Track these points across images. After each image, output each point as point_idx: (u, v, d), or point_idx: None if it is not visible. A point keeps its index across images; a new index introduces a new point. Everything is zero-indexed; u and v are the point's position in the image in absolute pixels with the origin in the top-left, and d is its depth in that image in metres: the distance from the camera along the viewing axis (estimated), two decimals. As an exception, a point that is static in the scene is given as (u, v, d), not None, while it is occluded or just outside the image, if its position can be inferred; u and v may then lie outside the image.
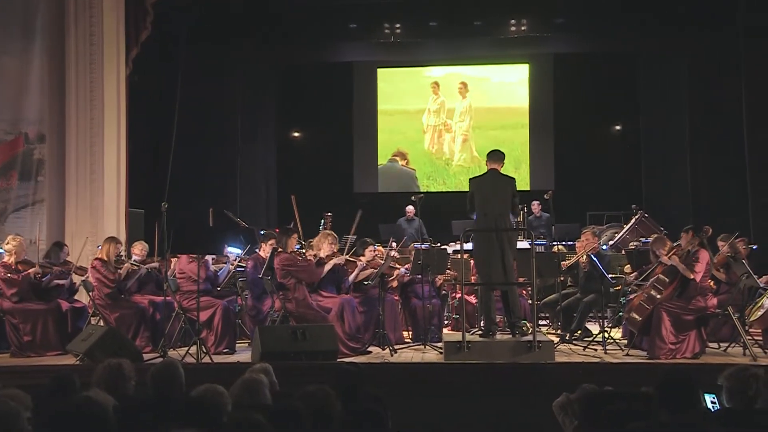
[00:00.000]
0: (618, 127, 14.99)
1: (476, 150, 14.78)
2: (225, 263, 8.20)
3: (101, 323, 7.78)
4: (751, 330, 7.50)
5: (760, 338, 7.49)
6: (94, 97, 9.36)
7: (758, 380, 3.65)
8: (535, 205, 12.07)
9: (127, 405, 3.65)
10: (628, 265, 8.36)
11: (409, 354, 7.50)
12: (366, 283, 8.12)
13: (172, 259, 7.92)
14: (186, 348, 7.14)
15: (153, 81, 11.80)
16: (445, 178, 15.08)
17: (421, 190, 14.37)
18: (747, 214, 10.87)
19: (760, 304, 7.46)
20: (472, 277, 8.05)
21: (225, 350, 7.55)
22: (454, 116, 15.00)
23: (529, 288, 7.80)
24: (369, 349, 7.59)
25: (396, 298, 8.49)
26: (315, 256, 7.91)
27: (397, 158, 15.16)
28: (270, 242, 7.93)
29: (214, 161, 12.93)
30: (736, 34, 11.25)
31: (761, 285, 7.47)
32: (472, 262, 7.94)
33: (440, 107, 15.07)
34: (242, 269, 8.32)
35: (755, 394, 3.63)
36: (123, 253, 8.28)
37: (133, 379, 4.06)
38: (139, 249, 8.20)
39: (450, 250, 8.60)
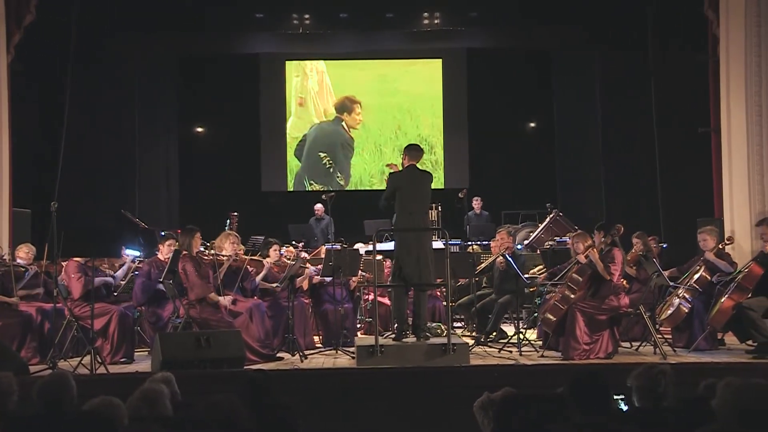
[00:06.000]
0: (532, 125, 15.13)
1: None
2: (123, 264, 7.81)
3: (-20, 334, 7.14)
4: (661, 329, 7.60)
5: (670, 336, 7.58)
6: (-30, 87, 8.61)
7: (666, 376, 3.69)
8: (476, 202, 11.94)
9: (10, 423, 3.50)
10: (539, 266, 8.34)
11: (320, 359, 7.31)
12: (275, 286, 7.79)
13: (62, 263, 7.36)
14: (79, 358, 6.69)
15: (40, 70, 10.97)
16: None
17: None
18: (657, 212, 11.09)
19: (670, 303, 7.56)
20: (387, 274, 7.82)
21: (122, 360, 7.19)
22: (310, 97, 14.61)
23: (444, 289, 7.63)
24: (278, 355, 7.32)
25: (306, 301, 8.24)
26: (222, 256, 7.47)
27: (344, 117, 14.61)
28: (168, 243, 7.58)
29: (109, 158, 12.34)
30: (647, 34, 11.47)
31: (671, 283, 7.56)
32: (386, 263, 7.72)
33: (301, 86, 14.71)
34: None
35: (664, 392, 3.67)
36: (6, 255, 7.64)
37: (16, 394, 3.82)
38: (25, 252, 7.65)
39: (362, 250, 8.37)
